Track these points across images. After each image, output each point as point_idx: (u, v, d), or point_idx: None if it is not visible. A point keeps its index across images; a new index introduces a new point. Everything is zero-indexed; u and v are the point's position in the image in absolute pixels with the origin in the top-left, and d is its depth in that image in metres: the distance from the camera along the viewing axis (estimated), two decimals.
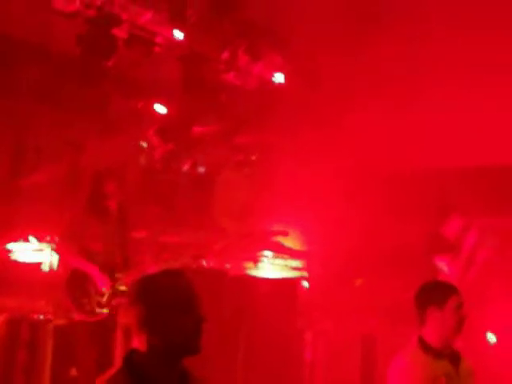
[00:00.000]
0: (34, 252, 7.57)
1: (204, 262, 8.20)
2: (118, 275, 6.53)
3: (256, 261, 8.71)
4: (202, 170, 8.94)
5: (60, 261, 6.90)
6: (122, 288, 6.46)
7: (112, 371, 3.03)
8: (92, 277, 6.43)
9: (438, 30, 9.57)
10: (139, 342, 3.05)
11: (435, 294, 4.60)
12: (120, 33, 7.79)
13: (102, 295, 6.43)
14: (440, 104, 9.73)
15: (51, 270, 7.35)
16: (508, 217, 9.63)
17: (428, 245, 8.61)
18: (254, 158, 9.60)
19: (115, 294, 6.48)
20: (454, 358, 4.57)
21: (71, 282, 6.47)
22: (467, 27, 9.41)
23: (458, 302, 4.55)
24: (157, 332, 3.00)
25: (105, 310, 6.45)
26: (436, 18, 9.42)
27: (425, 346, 4.53)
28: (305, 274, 8.98)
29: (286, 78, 9.73)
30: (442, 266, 8.36)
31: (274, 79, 9.65)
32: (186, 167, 8.80)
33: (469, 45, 9.46)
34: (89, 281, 6.43)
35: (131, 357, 3.05)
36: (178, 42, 8.48)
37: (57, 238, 6.97)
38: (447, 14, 9.35)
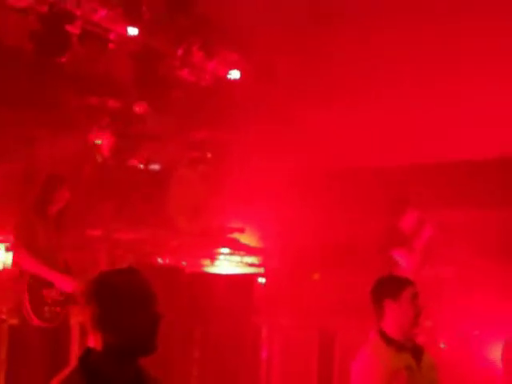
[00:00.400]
0: None
1: (160, 260, 8.17)
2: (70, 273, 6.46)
3: (212, 258, 8.70)
4: (156, 167, 8.88)
5: (14, 260, 6.78)
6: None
7: (67, 371, 3.00)
8: (53, 282, 6.32)
9: (389, 29, 9.66)
10: (95, 341, 3.02)
11: (390, 287, 4.68)
12: (73, 29, 7.72)
13: (61, 301, 6.35)
14: (393, 101, 9.82)
15: (5, 268, 7.24)
16: (461, 210, 9.77)
17: (384, 239, 8.67)
18: (209, 155, 9.58)
19: (69, 299, 6.41)
20: (416, 351, 4.63)
21: (31, 289, 6.28)
22: (417, 27, 9.53)
23: (412, 292, 4.63)
24: (112, 331, 2.98)
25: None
26: (386, 19, 9.51)
27: (386, 339, 4.59)
28: (261, 270, 8.99)
29: (241, 75, 9.73)
30: (399, 259, 8.43)
31: (229, 76, 9.64)
32: (140, 164, 8.74)
33: (421, 44, 9.58)
34: (49, 287, 6.31)
35: (87, 356, 3.02)
36: (132, 39, 8.44)
37: (11, 237, 6.86)
38: (397, 15, 9.45)
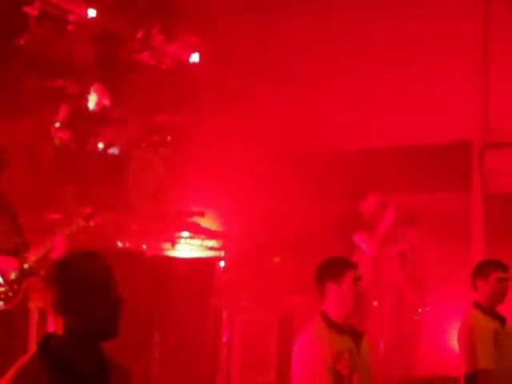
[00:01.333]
0: None
1: (120, 243, 8.14)
2: (22, 255, 6.38)
3: (173, 241, 8.69)
4: (115, 150, 8.83)
5: None
6: (29, 266, 6.31)
7: (26, 357, 2.97)
8: None
9: (347, 14, 9.75)
10: (56, 326, 3.01)
11: (332, 269, 4.66)
12: (32, 10, 7.63)
13: (11, 280, 6.28)
14: (353, 86, 9.90)
15: None
16: (421, 193, 9.90)
17: (345, 223, 8.75)
18: (169, 138, 9.54)
19: (24, 274, 6.35)
20: (355, 335, 4.63)
21: None
22: (375, 11, 9.63)
23: (354, 276, 4.61)
24: (73, 314, 2.96)
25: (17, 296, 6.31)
26: (344, 3, 9.60)
27: (328, 321, 4.57)
28: (221, 253, 9.01)
29: (201, 59, 9.71)
30: (360, 243, 8.51)
31: (190, 59, 9.62)
32: (100, 147, 8.68)
33: (376, 31, 9.68)
34: None
35: (47, 341, 3.00)
36: (92, 21, 8.36)
37: None
38: (350, 5, 9.55)
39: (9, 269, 6.27)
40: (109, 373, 3.07)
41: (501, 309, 5.84)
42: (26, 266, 6.33)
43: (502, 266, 5.80)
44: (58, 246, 6.44)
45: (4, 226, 6.43)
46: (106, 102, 8.72)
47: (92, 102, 8.59)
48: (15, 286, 6.30)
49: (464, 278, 6.89)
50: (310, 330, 4.60)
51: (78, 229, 6.72)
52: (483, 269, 5.83)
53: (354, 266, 4.71)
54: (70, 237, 6.60)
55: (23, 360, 2.96)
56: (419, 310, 8.77)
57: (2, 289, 6.22)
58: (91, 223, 6.82)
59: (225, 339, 8.56)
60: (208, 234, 9.13)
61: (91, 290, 2.96)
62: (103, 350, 3.09)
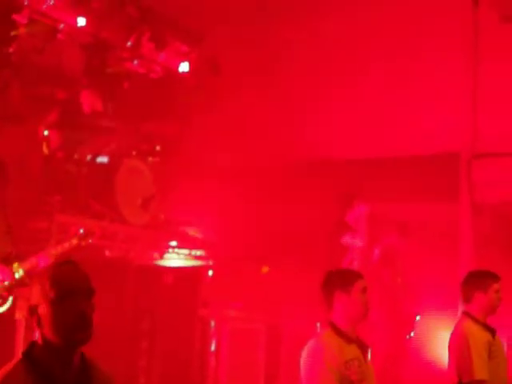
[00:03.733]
0: None
1: (108, 252, 8.12)
2: (14, 265, 6.38)
3: (161, 250, 8.67)
4: (104, 159, 8.81)
5: None
6: (19, 276, 6.30)
7: (11, 363, 3.01)
8: None
9: (338, 23, 9.78)
10: (37, 334, 3.06)
11: (341, 279, 4.74)
12: (21, 19, 7.61)
13: (2, 288, 6.27)
14: (341, 97, 9.93)
15: None
16: (410, 203, 9.93)
17: (332, 231, 8.76)
18: (158, 147, 9.54)
19: (15, 284, 6.34)
20: (362, 345, 4.70)
21: None
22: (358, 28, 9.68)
23: (363, 286, 4.69)
24: (43, 324, 3.02)
25: (7, 304, 6.30)
26: (334, 11, 9.64)
27: (336, 330, 4.64)
28: (209, 262, 8.99)
29: (190, 67, 9.71)
30: (350, 241, 8.51)
31: (179, 68, 9.62)
32: (88, 156, 8.66)
33: (367, 41, 9.72)
34: None
35: (31, 349, 3.05)
36: (81, 29, 8.36)
37: None
38: (340, 16, 9.60)
39: (3, 278, 6.27)
40: (91, 380, 3.09)
41: (490, 320, 5.85)
42: (17, 275, 6.33)
43: (497, 277, 5.81)
44: (42, 262, 6.39)
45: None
46: (98, 106, 8.71)
47: (81, 110, 8.59)
48: (6, 294, 6.29)
49: (451, 288, 6.90)
50: (319, 339, 4.67)
51: (70, 247, 6.71)
52: (482, 281, 5.79)
53: (361, 276, 4.80)
54: (60, 255, 6.58)
55: (8, 366, 3.00)
56: (417, 319, 8.79)
57: None
58: (84, 243, 6.80)
59: (213, 348, 8.54)
60: (196, 243, 9.12)
61: (52, 300, 3.01)
62: (86, 356, 3.12)
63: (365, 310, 4.69)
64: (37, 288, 3.06)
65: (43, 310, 3.01)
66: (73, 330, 3.01)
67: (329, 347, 4.57)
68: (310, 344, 4.67)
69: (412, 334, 8.90)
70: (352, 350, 4.60)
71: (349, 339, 4.62)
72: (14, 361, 3.03)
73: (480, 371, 5.55)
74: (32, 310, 3.04)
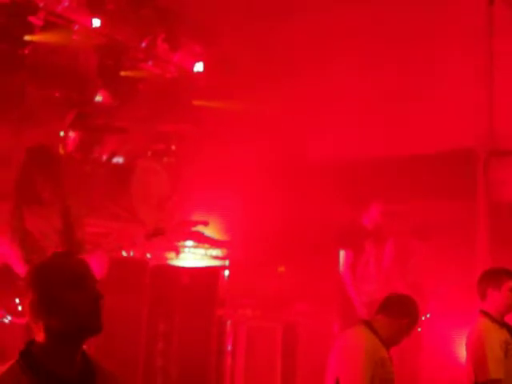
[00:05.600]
0: None
1: (124, 253, 8.13)
2: None
3: (177, 251, 8.68)
4: (120, 160, 8.84)
5: None
6: None
7: (7, 364, 2.97)
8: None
9: (348, 21, 9.76)
10: (37, 332, 3.01)
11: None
12: (36, 20, 7.64)
13: None
14: (355, 95, 9.90)
15: None
16: (426, 202, 9.89)
17: (347, 232, 8.75)
18: (173, 147, 9.55)
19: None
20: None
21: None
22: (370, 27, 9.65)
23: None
24: (55, 315, 2.96)
25: None
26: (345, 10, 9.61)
27: (372, 329, 5.45)
28: (226, 262, 9.00)
29: (204, 67, 9.73)
30: (363, 240, 8.51)
31: (194, 68, 9.64)
32: (104, 157, 8.69)
33: (379, 41, 9.69)
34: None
35: (28, 348, 3.00)
36: (96, 30, 8.38)
37: None
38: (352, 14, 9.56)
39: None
40: (94, 378, 3.06)
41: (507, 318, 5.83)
42: None
43: None
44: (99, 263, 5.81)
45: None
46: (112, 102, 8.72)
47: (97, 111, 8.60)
48: None
49: (468, 287, 6.87)
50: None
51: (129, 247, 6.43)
52: (496, 277, 5.79)
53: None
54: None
55: (4, 366, 2.96)
56: (422, 318, 8.75)
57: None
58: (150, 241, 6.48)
59: (229, 348, 8.54)
60: (212, 242, 9.12)
61: (69, 287, 2.98)
62: (87, 355, 3.09)
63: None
64: (39, 281, 3.01)
65: (53, 300, 2.97)
66: (90, 315, 3.00)
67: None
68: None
69: (419, 330, 8.87)
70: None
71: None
72: (10, 361, 2.99)
73: (495, 370, 5.54)
74: (34, 305, 2.98)
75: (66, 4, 7.93)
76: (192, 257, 8.80)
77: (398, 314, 5.49)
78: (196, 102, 9.92)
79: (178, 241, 8.82)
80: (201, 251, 8.97)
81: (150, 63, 9.34)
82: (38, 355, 2.96)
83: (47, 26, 7.78)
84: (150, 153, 9.32)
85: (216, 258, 9.08)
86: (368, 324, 5.47)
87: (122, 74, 8.90)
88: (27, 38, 7.62)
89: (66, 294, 2.97)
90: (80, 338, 3.01)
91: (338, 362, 5.40)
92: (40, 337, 2.99)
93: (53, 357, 2.96)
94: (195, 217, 9.23)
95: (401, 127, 9.66)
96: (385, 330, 5.44)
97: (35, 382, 2.90)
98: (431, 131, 9.56)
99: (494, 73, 9.72)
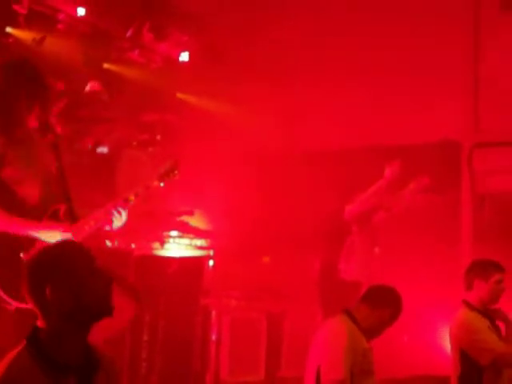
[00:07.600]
0: None
1: (108, 242, 8.12)
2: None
3: (162, 240, 8.67)
4: (105, 149, 8.81)
5: None
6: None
7: (14, 351, 2.99)
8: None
9: (340, 13, 9.76)
10: (45, 317, 3.01)
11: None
12: (20, 9, 7.60)
13: None
14: (340, 86, 9.92)
15: None
16: None
17: (332, 221, 8.74)
18: (158, 137, 9.53)
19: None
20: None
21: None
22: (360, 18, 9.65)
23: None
24: (70, 300, 2.98)
25: None
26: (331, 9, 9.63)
27: (353, 319, 5.43)
28: (210, 252, 9.00)
29: (190, 57, 9.71)
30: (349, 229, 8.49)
31: (180, 58, 9.62)
32: (88, 147, 8.66)
33: (367, 32, 9.70)
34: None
35: (34, 334, 3.01)
36: (81, 19, 8.34)
37: None
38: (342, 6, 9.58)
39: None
40: (98, 364, 3.10)
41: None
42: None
43: (501, 268, 5.83)
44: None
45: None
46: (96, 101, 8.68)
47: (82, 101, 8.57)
48: None
49: (451, 278, 6.91)
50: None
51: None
52: (484, 269, 5.82)
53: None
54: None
55: (11, 353, 2.97)
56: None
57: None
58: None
59: (214, 338, 8.55)
60: (197, 232, 9.12)
61: (86, 273, 3.02)
62: (90, 343, 3.12)
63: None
64: (55, 268, 3.01)
65: (72, 286, 2.98)
66: (104, 299, 3.05)
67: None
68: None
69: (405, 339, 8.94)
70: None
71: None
72: (17, 348, 3.00)
73: (498, 344, 5.59)
74: (48, 291, 2.97)
75: None
76: (177, 247, 8.79)
77: (380, 305, 5.47)
78: (180, 95, 9.91)
79: (163, 230, 8.81)
80: (185, 241, 8.96)
81: (135, 52, 9.30)
82: (46, 342, 2.98)
83: (31, 15, 7.73)
84: (135, 143, 9.29)
85: (201, 248, 9.07)
86: (349, 313, 5.47)
87: (107, 62, 8.87)
88: (10, 30, 7.56)
89: (83, 280, 3.00)
90: (90, 323, 3.05)
91: (319, 351, 5.41)
92: (47, 323, 3.00)
93: (61, 343, 2.98)
94: (180, 206, 9.23)
95: (387, 118, 9.68)
96: (366, 320, 5.43)
97: (46, 369, 2.92)
98: (416, 123, 9.59)
99: (479, 65, 9.75)
